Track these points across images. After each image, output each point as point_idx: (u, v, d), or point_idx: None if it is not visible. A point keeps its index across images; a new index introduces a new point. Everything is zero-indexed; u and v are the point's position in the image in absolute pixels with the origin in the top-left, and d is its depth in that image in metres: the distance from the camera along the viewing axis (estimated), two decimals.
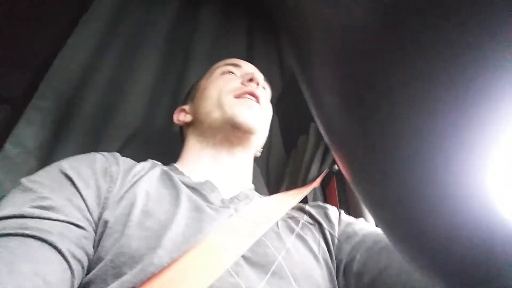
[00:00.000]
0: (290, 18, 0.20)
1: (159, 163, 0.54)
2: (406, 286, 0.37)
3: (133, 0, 1.03)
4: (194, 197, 0.45)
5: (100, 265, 0.35)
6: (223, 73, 0.64)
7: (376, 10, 0.14)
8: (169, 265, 0.34)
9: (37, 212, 0.33)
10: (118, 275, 0.34)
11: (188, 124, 0.62)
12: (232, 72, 0.65)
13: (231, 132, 0.55)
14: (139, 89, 0.89)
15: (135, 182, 0.44)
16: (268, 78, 0.71)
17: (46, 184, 0.37)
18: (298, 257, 0.43)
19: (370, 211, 0.21)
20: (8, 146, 0.63)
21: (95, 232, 0.38)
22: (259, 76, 0.62)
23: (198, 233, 0.39)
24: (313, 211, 0.55)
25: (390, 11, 0.14)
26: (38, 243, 0.31)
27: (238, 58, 0.70)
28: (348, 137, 0.18)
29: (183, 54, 1.04)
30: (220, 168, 0.55)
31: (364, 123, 0.17)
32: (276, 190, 0.87)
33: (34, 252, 0.31)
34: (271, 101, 0.68)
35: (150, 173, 0.47)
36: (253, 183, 0.61)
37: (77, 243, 0.34)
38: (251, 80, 0.60)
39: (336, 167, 0.82)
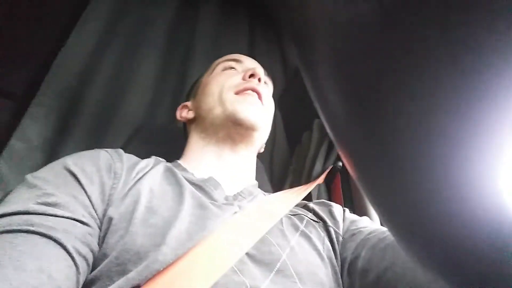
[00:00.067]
0: (294, 15, 0.19)
1: (163, 159, 0.54)
2: (411, 283, 0.37)
3: None
4: (198, 194, 0.45)
5: (105, 262, 0.35)
6: (225, 68, 0.64)
7: (380, 5, 0.14)
8: (173, 262, 0.34)
9: (42, 208, 0.34)
10: (123, 272, 0.34)
11: (191, 121, 0.62)
12: (233, 68, 0.64)
13: (233, 129, 0.55)
14: (141, 87, 0.89)
15: (139, 179, 0.44)
16: (270, 74, 0.71)
17: (50, 181, 0.38)
18: (302, 255, 0.43)
19: (375, 208, 0.21)
20: (14, 141, 0.64)
21: (100, 229, 0.38)
22: (260, 71, 0.62)
23: (202, 230, 0.39)
24: (317, 208, 0.55)
25: (392, 7, 0.14)
26: (43, 239, 0.32)
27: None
28: (353, 133, 0.18)
29: (183, 53, 1.04)
30: (223, 165, 0.55)
31: (370, 120, 0.16)
32: (280, 187, 0.88)
33: (39, 248, 0.31)
34: (274, 97, 0.68)
35: (153, 169, 0.47)
36: (256, 179, 0.61)
37: (82, 239, 0.34)
38: (252, 75, 0.59)
39: (340, 163, 0.81)
